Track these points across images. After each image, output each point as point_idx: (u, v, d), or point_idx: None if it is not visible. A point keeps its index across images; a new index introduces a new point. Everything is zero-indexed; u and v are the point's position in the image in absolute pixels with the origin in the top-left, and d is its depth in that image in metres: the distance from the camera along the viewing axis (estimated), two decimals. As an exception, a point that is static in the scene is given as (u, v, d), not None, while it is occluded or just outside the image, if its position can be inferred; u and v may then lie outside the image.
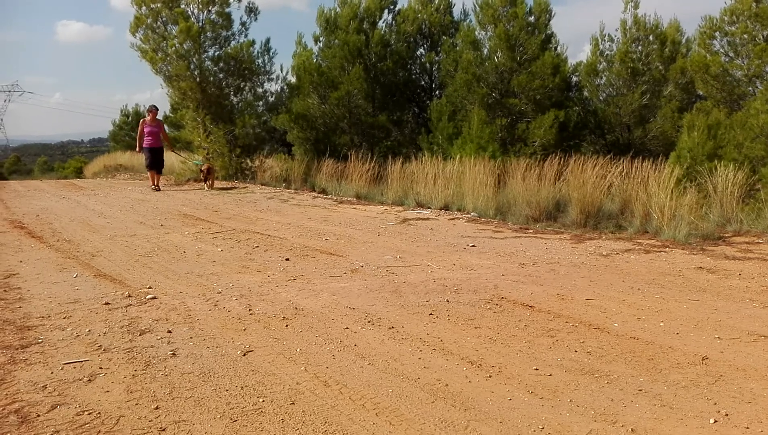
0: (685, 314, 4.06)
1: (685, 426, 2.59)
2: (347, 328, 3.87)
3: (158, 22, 14.32)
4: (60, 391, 2.94)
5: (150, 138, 13.11)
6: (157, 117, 13.59)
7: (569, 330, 3.79)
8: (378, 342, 3.62)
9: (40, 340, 3.61)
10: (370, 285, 4.89)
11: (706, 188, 7.42)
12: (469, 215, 8.80)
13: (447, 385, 3.02)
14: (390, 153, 13.12)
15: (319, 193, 12.23)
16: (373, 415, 2.71)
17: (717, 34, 11.47)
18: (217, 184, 13.68)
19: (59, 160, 54.69)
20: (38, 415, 2.69)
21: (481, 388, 2.98)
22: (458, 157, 10.39)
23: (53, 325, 3.90)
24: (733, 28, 11.15)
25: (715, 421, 2.62)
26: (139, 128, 13.23)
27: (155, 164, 13.38)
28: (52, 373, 3.15)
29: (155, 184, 13.32)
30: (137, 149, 13.59)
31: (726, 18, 11.22)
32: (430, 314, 4.12)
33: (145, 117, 13.56)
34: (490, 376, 3.12)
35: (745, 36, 10.90)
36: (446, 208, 9.43)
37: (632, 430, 2.56)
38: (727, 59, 11.29)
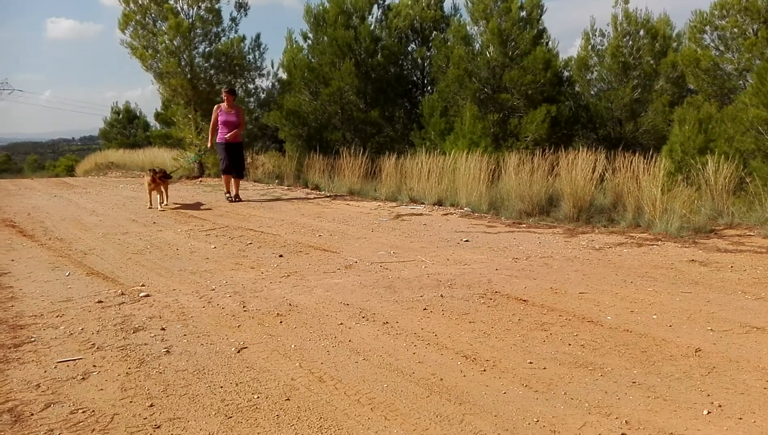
0: (678, 307, 4.08)
1: (679, 417, 2.61)
2: (341, 323, 3.86)
3: (147, 19, 14.24)
4: (53, 389, 2.92)
5: (226, 130, 9.85)
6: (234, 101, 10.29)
7: (563, 323, 3.80)
8: (372, 337, 3.62)
9: (32, 339, 3.59)
10: (364, 281, 4.89)
11: (698, 182, 7.46)
12: (462, 210, 8.81)
13: (442, 379, 3.02)
14: (382, 149, 13.10)
15: (312, 189, 12.21)
16: (368, 410, 2.71)
17: (707, 28, 11.55)
18: (210, 181, 13.59)
19: (50, 158, 54.33)
20: (32, 414, 2.68)
21: (475, 382, 2.98)
22: (451, 152, 10.40)
23: (46, 323, 3.88)
24: (723, 22, 11.23)
25: (709, 413, 2.64)
26: (213, 116, 10.00)
27: (234, 166, 10.09)
28: (45, 371, 3.13)
29: (233, 193, 10.14)
30: (209, 144, 10.46)
31: (716, 12, 11.30)
32: (425, 309, 4.13)
33: (219, 102, 10.24)
34: (484, 370, 3.13)
35: (735, 30, 10.97)
36: (440, 203, 9.44)
37: (626, 422, 2.58)
38: (717, 53, 11.36)
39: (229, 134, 9.82)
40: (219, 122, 9.88)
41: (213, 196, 11.00)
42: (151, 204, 9.33)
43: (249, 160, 14.82)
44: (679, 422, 2.57)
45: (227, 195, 10.15)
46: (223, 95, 10.05)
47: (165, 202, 9.40)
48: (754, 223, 6.58)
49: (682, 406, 2.71)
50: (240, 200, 10.04)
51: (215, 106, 10.07)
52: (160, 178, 9.19)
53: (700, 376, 3.00)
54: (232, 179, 10.18)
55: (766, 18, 10.54)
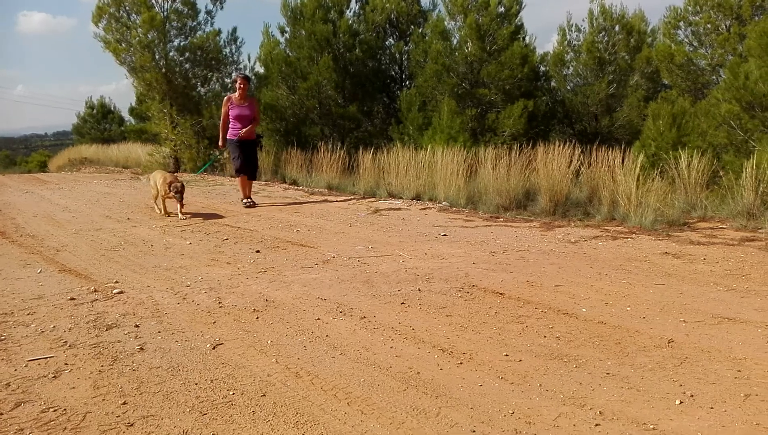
0: (652, 298, 4.14)
1: (652, 407, 2.64)
2: (319, 319, 3.85)
3: (121, 12, 14.01)
4: (24, 388, 2.87)
5: (240, 125, 8.60)
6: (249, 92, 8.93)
7: (538, 316, 3.83)
8: (350, 332, 3.61)
9: (2, 337, 3.52)
10: (341, 276, 4.87)
11: (672, 176, 7.56)
12: (440, 205, 8.83)
13: (418, 373, 3.03)
14: (361, 144, 13.05)
15: (289, 184, 12.14)
16: (345, 405, 2.70)
17: (681, 23, 11.70)
18: (185, 176, 13.44)
19: (22, 154, 53.26)
20: (1, 413, 2.62)
21: (452, 375, 2.99)
22: (429, 147, 10.41)
23: (16, 321, 3.80)
24: (696, 18, 11.39)
25: (681, 402, 2.68)
26: (223, 110, 8.68)
27: (248, 166, 8.83)
28: (15, 370, 3.07)
29: (247, 196, 8.89)
30: (220, 142, 9.04)
31: (690, 8, 11.45)
32: (402, 303, 4.13)
33: (230, 93, 8.89)
34: (461, 363, 3.14)
35: (709, 25, 11.13)
36: (418, 198, 9.44)
37: (600, 412, 2.60)
38: (691, 48, 11.52)
39: (244, 131, 8.57)
40: (231, 117, 8.59)
41: (189, 190, 10.86)
42: (163, 211, 8.08)
43: (225, 154, 14.55)
44: (652, 412, 2.60)
45: (244, 200, 8.80)
46: (238, 82, 8.56)
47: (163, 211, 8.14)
48: (726, 216, 6.69)
49: (655, 396, 2.74)
50: (255, 205, 8.76)
51: (225, 98, 8.72)
52: (174, 191, 7.70)
53: (672, 367, 3.04)
54: (248, 182, 8.94)
55: (738, 14, 10.70)
